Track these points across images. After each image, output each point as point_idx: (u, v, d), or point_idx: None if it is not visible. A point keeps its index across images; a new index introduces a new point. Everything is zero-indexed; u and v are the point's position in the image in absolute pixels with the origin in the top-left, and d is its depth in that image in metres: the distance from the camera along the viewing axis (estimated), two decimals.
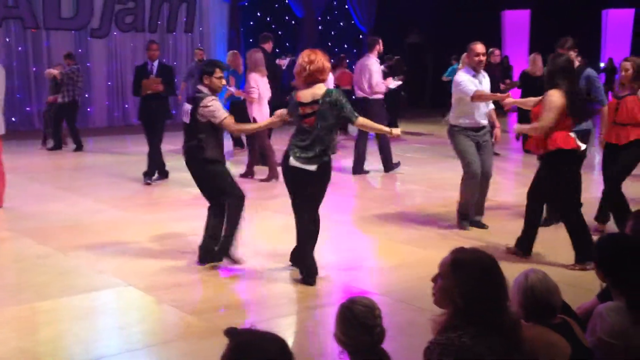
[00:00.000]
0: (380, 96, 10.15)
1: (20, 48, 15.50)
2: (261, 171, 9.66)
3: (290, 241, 5.62)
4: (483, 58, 6.84)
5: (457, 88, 6.78)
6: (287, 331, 4.46)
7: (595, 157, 9.88)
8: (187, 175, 5.95)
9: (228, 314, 4.84)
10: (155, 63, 9.44)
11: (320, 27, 19.63)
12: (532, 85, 11.83)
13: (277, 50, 13.94)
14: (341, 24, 20.52)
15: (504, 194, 8.76)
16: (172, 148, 10.59)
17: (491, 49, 12.15)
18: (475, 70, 6.84)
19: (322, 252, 6.40)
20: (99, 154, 12.53)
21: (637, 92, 6.40)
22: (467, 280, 2.46)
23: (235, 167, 9.49)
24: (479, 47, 6.83)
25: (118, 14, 16.52)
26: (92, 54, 16.33)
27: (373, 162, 10.39)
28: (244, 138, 11.53)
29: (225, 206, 5.73)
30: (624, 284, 2.93)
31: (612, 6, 22.47)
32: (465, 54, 7.67)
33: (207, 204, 5.87)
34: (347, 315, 2.70)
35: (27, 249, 6.08)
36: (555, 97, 5.53)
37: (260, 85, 9.28)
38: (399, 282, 5.45)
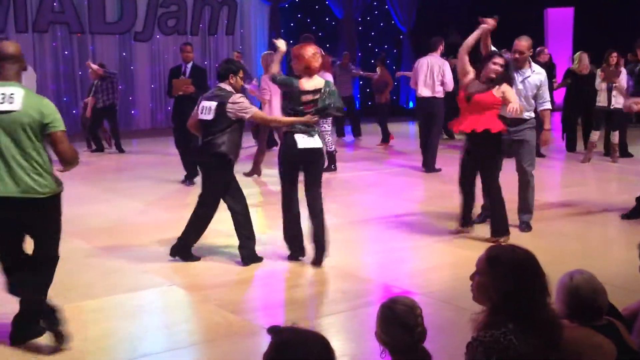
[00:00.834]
0: (442, 95, 10.32)
1: (66, 52, 15.79)
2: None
3: (334, 242, 5.68)
4: (518, 55, 6.69)
5: None
6: (328, 330, 4.46)
7: None
8: None
9: (270, 313, 4.87)
10: (190, 65, 9.51)
11: (360, 28, 19.59)
12: (578, 84, 11.67)
13: None
14: (381, 24, 20.45)
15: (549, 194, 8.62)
16: None
17: (539, 48, 11.90)
18: (514, 67, 6.61)
19: (362, 252, 6.39)
20: (142, 155, 12.72)
21: None
22: (502, 276, 2.45)
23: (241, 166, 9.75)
24: (515, 44, 6.70)
25: (161, 17, 16.73)
26: (135, 57, 16.57)
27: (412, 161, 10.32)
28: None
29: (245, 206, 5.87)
30: None
31: None
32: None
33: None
34: (388, 314, 2.70)
35: (74, 250, 6.19)
36: None
37: (272, 87, 9.29)
38: (439, 282, 5.43)
